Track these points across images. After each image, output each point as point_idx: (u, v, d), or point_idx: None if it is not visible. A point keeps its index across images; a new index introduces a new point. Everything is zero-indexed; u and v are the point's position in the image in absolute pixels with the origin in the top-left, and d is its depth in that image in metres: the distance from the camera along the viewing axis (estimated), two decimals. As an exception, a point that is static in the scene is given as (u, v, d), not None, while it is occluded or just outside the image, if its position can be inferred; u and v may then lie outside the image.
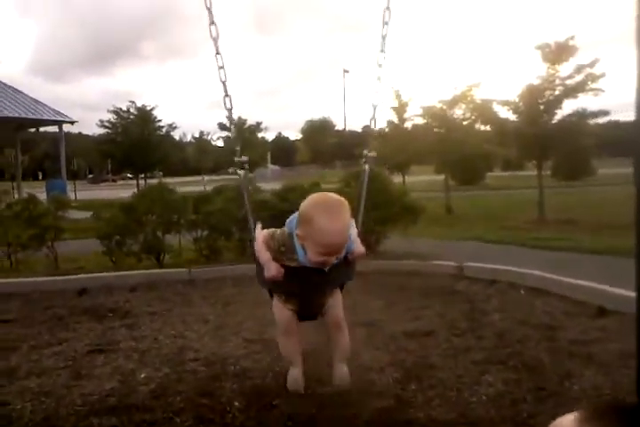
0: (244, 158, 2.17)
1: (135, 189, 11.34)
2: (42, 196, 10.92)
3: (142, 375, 3.63)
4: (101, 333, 4.61)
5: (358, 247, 2.11)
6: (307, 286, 2.13)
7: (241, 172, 2.16)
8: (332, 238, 1.87)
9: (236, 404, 3.15)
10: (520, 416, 2.91)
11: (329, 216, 1.88)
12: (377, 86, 2.36)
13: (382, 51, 2.32)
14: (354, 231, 2.14)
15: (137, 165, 28.56)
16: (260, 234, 2.19)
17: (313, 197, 2.04)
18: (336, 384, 2.40)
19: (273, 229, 2.12)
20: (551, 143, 12.78)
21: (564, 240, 8.74)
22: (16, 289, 6.05)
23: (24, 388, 3.44)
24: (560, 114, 12.89)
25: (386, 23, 2.27)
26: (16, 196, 15.67)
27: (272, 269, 2.11)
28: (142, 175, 31.08)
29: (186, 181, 23.07)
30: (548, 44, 12.63)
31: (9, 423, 2.98)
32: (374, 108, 2.48)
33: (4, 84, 26.52)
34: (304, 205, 1.99)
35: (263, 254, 2.12)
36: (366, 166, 2.57)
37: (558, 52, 12.45)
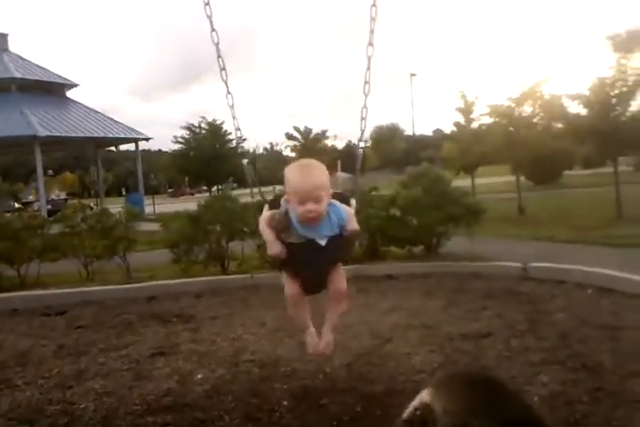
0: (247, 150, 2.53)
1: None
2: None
3: (199, 376, 3.76)
4: (165, 336, 4.80)
5: (352, 224, 2.26)
6: (307, 261, 2.29)
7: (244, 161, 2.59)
8: (303, 184, 2.11)
9: (285, 403, 3.21)
10: (573, 417, 2.80)
11: (301, 170, 2.19)
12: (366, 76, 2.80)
13: (370, 44, 2.72)
14: (350, 211, 2.32)
15: (210, 178, 29.39)
16: (264, 215, 2.35)
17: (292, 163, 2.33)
18: (320, 351, 2.48)
19: (274, 211, 2.30)
20: (627, 138, 12.12)
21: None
22: (91, 297, 6.39)
23: (89, 389, 3.64)
24: (635, 106, 12.22)
25: (372, 19, 2.72)
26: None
27: (274, 248, 2.25)
28: (216, 187, 31.96)
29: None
30: (619, 33, 12.05)
31: (71, 421, 3.16)
32: (365, 97, 2.77)
33: (83, 106, 27.99)
34: (285, 171, 2.25)
35: (267, 235, 2.28)
36: (360, 151, 3.11)
37: (630, 41, 11.85)
